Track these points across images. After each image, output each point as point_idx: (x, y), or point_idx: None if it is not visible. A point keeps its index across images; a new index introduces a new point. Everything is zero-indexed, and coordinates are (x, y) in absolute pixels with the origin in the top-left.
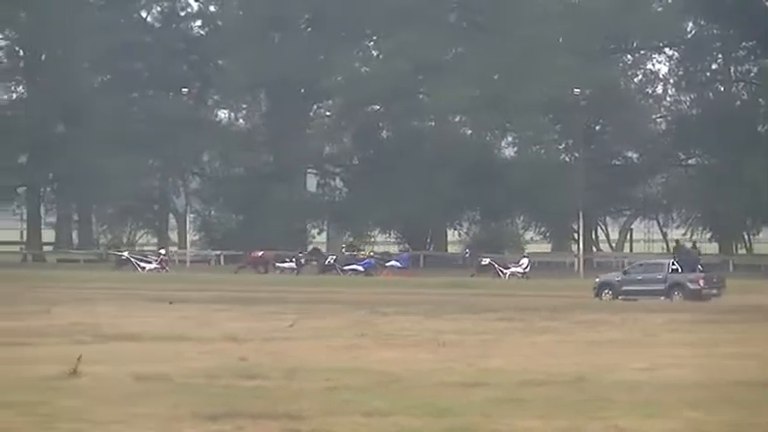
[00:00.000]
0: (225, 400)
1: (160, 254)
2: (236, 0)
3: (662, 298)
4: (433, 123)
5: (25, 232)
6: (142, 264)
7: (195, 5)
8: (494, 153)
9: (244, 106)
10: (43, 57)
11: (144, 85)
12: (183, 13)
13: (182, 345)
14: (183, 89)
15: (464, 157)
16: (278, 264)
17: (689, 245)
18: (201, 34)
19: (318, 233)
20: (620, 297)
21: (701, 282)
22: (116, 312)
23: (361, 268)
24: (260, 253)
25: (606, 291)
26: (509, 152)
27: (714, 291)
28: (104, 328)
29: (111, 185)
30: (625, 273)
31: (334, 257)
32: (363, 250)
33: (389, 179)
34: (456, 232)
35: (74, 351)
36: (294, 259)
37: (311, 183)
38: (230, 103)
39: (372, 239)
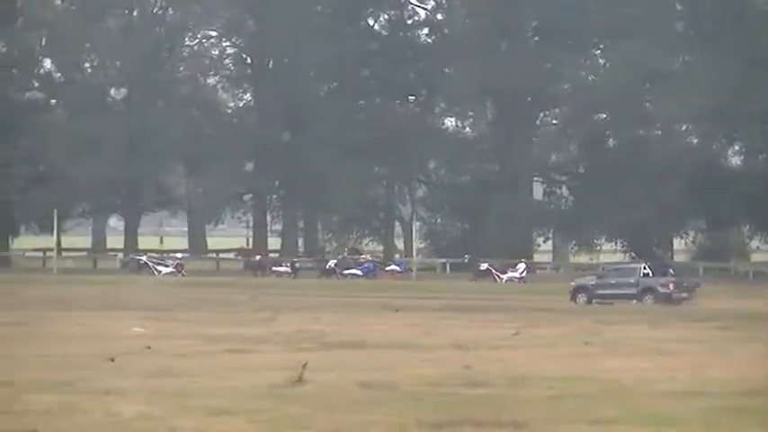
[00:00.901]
0: (450, 409)
1: (176, 258)
2: (463, 8)
3: (634, 301)
4: (659, 132)
5: (251, 240)
6: (159, 267)
7: (423, 14)
8: (720, 162)
9: (470, 114)
10: (270, 64)
11: (370, 93)
12: (410, 22)
13: (406, 352)
14: (410, 97)
15: (690, 166)
16: (274, 268)
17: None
18: (429, 42)
19: (544, 241)
20: (594, 301)
21: (672, 286)
22: (341, 320)
23: (360, 272)
24: (257, 257)
25: (581, 294)
26: (735, 161)
27: (684, 294)
28: (329, 336)
29: (336, 193)
30: (599, 277)
31: (335, 261)
32: (364, 254)
33: (615, 187)
34: (682, 241)
35: (299, 358)
36: (289, 264)
37: (537, 191)
38: (457, 111)
39: (598, 248)
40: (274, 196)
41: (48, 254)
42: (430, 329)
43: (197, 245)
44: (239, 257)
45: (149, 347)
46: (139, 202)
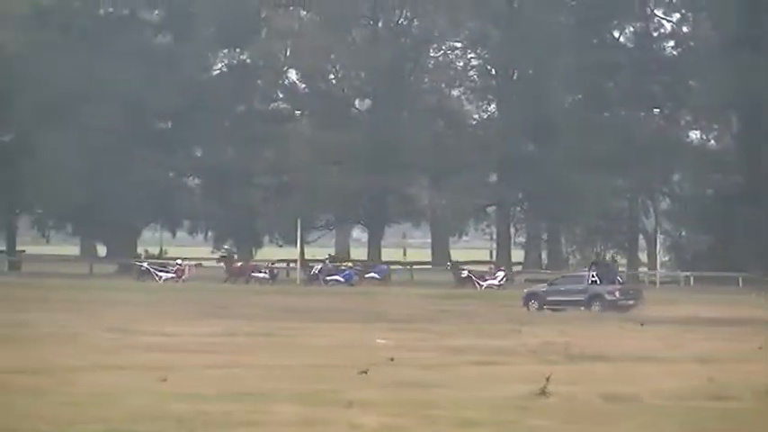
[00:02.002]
0: (693, 422)
1: (177, 263)
2: (708, 20)
3: (582, 308)
4: None
5: (494, 252)
6: (159, 273)
7: (668, 26)
8: None
9: (715, 127)
10: (515, 75)
11: (615, 105)
12: (655, 34)
13: (650, 366)
14: (655, 109)
15: None
16: (253, 273)
17: (608, 258)
18: (674, 54)
19: None
20: (545, 307)
21: (617, 293)
22: (585, 333)
23: (341, 279)
24: (239, 264)
25: (532, 301)
26: None
27: (631, 302)
28: (574, 349)
29: (580, 205)
30: (550, 284)
31: (319, 268)
32: (347, 261)
33: None
34: None
35: (543, 371)
36: (267, 270)
37: None
38: (702, 124)
39: None
40: (518, 208)
41: (291, 265)
42: (674, 343)
43: (440, 256)
44: (221, 264)
45: (393, 359)
46: (383, 213)
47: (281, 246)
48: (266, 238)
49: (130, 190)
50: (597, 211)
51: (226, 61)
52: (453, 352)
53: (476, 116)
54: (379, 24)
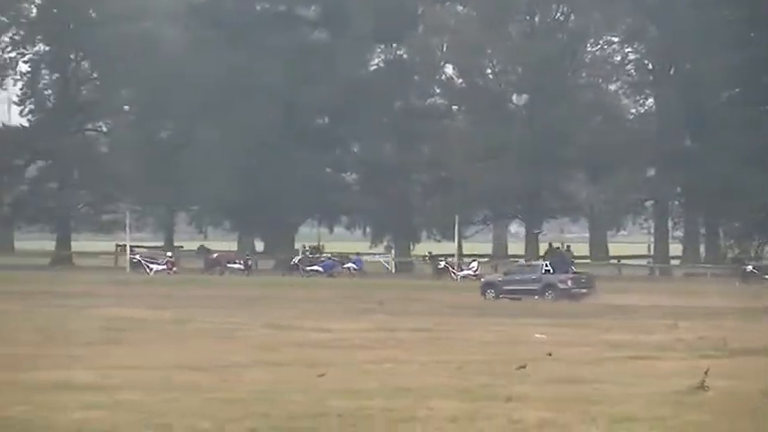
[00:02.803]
0: None
1: (167, 255)
2: None
3: (536, 297)
4: None
5: (652, 246)
6: (151, 265)
7: None
8: None
9: None
10: (672, 70)
11: None
12: None
13: None
14: None
15: None
16: (228, 264)
17: (563, 247)
18: None
19: None
20: (501, 296)
21: (570, 282)
22: (742, 327)
23: (321, 269)
24: (214, 255)
25: (489, 290)
26: None
27: (583, 290)
28: (732, 343)
29: (738, 200)
30: (506, 274)
31: (299, 258)
32: (324, 252)
33: None
34: None
35: (701, 365)
36: (242, 261)
37: None
38: None
39: None
40: (676, 202)
41: (448, 260)
42: None
43: (598, 251)
44: (199, 256)
45: (551, 354)
46: (540, 208)
47: (438, 241)
48: (424, 234)
49: (288, 186)
50: (755, 205)
51: (382, 57)
52: (610, 347)
53: (633, 111)
54: (536, 19)
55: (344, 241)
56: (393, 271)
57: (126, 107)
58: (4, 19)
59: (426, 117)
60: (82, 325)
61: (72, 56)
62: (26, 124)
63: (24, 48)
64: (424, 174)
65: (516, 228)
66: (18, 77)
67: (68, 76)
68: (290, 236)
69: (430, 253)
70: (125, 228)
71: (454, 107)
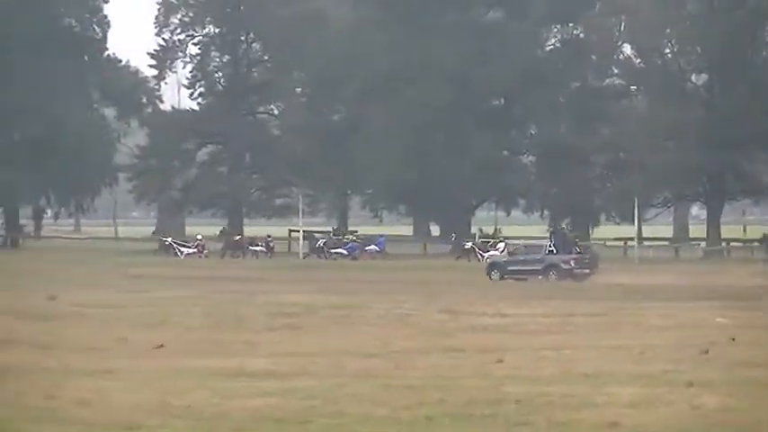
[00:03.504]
0: None
1: (197, 239)
2: None
3: (539, 277)
4: None
5: None
6: (182, 248)
7: None
8: None
9: None
10: None
11: None
12: None
13: None
14: None
15: None
16: (250, 246)
17: (565, 228)
18: None
19: None
20: (505, 277)
21: (573, 262)
22: None
23: (345, 251)
24: (237, 237)
25: (494, 271)
26: None
27: (586, 270)
28: None
29: None
30: (510, 254)
31: (324, 240)
32: (349, 234)
33: None
34: None
35: None
36: (264, 243)
37: None
38: None
39: None
40: None
41: (628, 243)
42: None
43: None
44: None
45: (734, 339)
46: (722, 189)
47: (618, 224)
48: (603, 217)
49: (463, 168)
50: None
51: (558, 37)
52: None
53: None
54: None
55: (522, 225)
56: None
57: (297, 89)
58: (173, 0)
59: (604, 98)
60: (254, 311)
61: (242, 37)
62: (196, 107)
63: (194, 29)
64: (602, 155)
65: (697, 210)
66: (188, 60)
67: (239, 57)
68: (467, 220)
69: (455, 233)
70: (298, 213)
71: (632, 87)
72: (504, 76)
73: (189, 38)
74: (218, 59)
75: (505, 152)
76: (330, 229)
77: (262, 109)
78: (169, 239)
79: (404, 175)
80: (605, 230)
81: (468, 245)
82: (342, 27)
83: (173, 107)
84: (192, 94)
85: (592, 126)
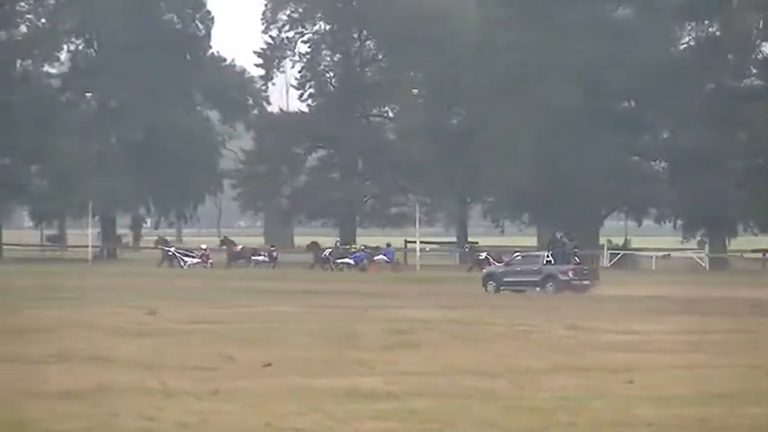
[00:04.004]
0: None
1: (201, 248)
2: None
3: (537, 289)
4: None
5: None
6: (185, 258)
7: None
8: None
9: None
10: None
11: None
12: None
13: None
14: None
15: None
16: (253, 257)
17: (565, 237)
18: None
19: None
20: (501, 288)
21: (571, 273)
22: None
23: (352, 261)
24: (239, 248)
25: (490, 282)
26: None
27: (585, 282)
28: None
29: None
30: (507, 264)
31: (330, 251)
32: (356, 244)
33: None
34: None
35: None
36: (266, 253)
37: None
38: None
39: None
40: None
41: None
42: None
43: None
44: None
45: None
46: None
47: (756, 234)
48: (740, 227)
49: (592, 175)
50: None
51: (693, 34)
52: None
53: None
54: None
55: (653, 236)
56: (707, 268)
57: (414, 90)
58: None
59: (742, 99)
60: (367, 327)
61: (355, 34)
62: (305, 109)
63: (303, 26)
64: (739, 161)
65: None
66: (297, 59)
67: (351, 56)
68: (595, 230)
69: (472, 244)
70: (414, 222)
71: None
72: (635, 76)
73: (298, 35)
74: (329, 58)
75: (636, 158)
76: (337, 240)
77: (375, 111)
78: (172, 249)
79: (528, 182)
80: (743, 242)
81: (483, 255)
82: (464, 24)
83: (281, 109)
84: (301, 96)
85: (728, 130)
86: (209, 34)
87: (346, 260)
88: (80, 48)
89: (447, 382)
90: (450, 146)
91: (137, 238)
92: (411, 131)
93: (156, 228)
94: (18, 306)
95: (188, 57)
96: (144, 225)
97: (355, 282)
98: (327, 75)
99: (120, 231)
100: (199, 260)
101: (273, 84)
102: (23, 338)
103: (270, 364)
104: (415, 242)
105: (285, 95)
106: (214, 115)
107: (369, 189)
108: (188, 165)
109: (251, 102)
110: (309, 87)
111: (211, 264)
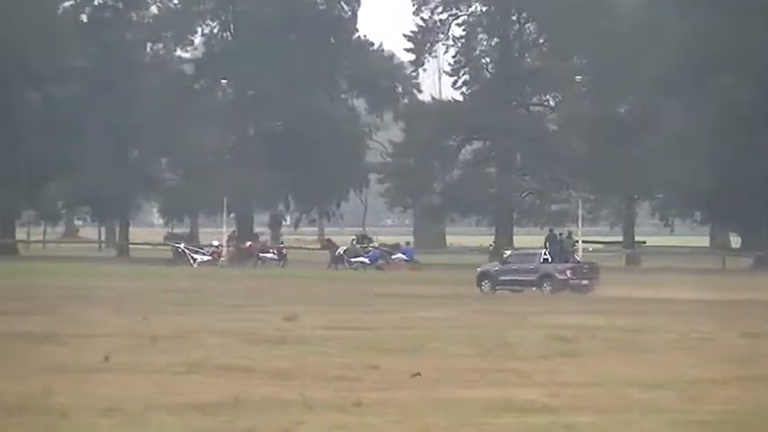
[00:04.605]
0: None
1: (213, 245)
2: None
3: (534, 288)
4: None
5: None
6: (195, 256)
7: None
8: None
9: None
10: None
11: None
12: None
13: None
14: None
15: None
16: (261, 254)
17: (564, 233)
18: None
19: None
20: (497, 288)
21: (569, 272)
22: None
23: (367, 260)
24: (248, 244)
25: (485, 281)
26: None
27: (585, 281)
28: None
29: None
30: (502, 263)
31: (344, 249)
32: (372, 242)
33: None
34: None
35: None
36: (276, 251)
37: None
38: None
39: None
40: None
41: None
42: None
43: None
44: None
45: None
46: None
47: None
48: None
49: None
50: None
51: None
52: None
53: None
54: None
55: None
56: None
57: (578, 77)
58: None
59: None
60: (524, 334)
61: (514, 17)
62: (459, 98)
63: (457, 8)
64: None
65: None
66: (450, 43)
67: (510, 40)
68: None
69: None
70: (577, 219)
71: None
72: None
73: (452, 17)
74: (485, 42)
75: None
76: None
77: (536, 100)
78: (182, 246)
79: (700, 177)
80: None
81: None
82: (634, 7)
83: (432, 97)
84: (454, 83)
85: None
86: (355, 16)
87: (361, 259)
88: (215, 30)
89: (609, 394)
90: (615, 138)
91: (276, 237)
92: (574, 122)
93: (296, 227)
94: (149, 311)
95: (332, 40)
96: (283, 223)
97: None
98: (483, 60)
99: (257, 230)
100: (210, 257)
101: (425, 70)
102: (154, 347)
103: (418, 374)
104: (577, 241)
105: (437, 83)
106: (360, 104)
107: (527, 184)
108: (331, 158)
109: (400, 89)
110: (464, 74)
111: (223, 263)
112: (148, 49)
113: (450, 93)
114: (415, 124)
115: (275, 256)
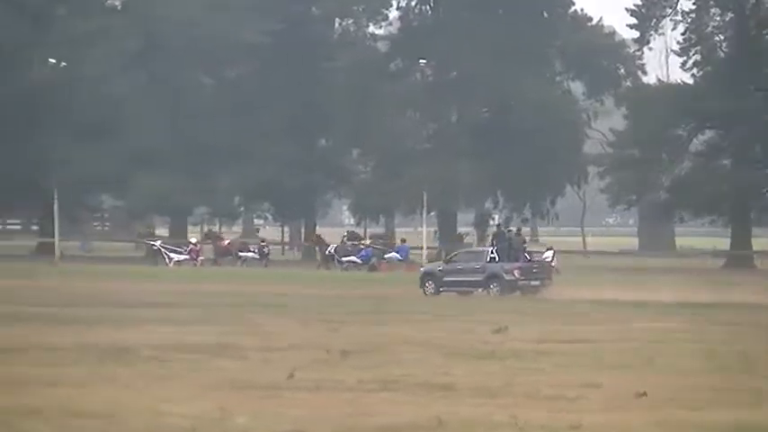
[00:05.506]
0: None
1: (191, 243)
2: None
3: (480, 290)
4: None
5: None
6: (171, 254)
7: None
8: None
9: None
10: None
11: None
12: None
13: None
14: None
15: None
16: (240, 253)
17: (513, 230)
18: None
19: None
20: (441, 289)
21: (517, 272)
22: None
23: (358, 260)
24: (226, 242)
25: (429, 282)
26: None
27: (535, 282)
28: None
29: None
30: (447, 262)
31: (335, 247)
32: (364, 240)
33: None
34: None
35: None
36: (257, 249)
37: None
38: None
39: None
40: None
41: None
42: None
43: None
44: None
45: None
46: None
47: None
48: None
49: None
50: None
51: None
52: None
53: None
54: None
55: None
56: None
57: None
58: None
59: None
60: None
61: None
62: (690, 81)
63: None
64: None
65: None
66: (679, 18)
67: (746, 16)
68: None
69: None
70: None
71: None
72: None
73: None
74: (718, 18)
75: None
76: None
77: None
78: (158, 243)
79: None
80: None
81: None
82: None
83: (659, 80)
84: (684, 64)
85: None
86: None
87: (352, 258)
88: (413, 4)
89: None
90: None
91: (482, 237)
92: None
93: (507, 225)
94: (342, 321)
95: (545, 15)
96: (491, 222)
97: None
98: (717, 38)
99: (460, 230)
100: (187, 256)
101: (650, 49)
102: (346, 361)
103: (644, 394)
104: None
105: (665, 63)
106: (577, 87)
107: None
108: (545, 148)
109: (622, 71)
110: (694, 54)
111: (201, 261)
112: (337, 25)
113: (678, 75)
114: (640, 110)
115: (256, 255)
